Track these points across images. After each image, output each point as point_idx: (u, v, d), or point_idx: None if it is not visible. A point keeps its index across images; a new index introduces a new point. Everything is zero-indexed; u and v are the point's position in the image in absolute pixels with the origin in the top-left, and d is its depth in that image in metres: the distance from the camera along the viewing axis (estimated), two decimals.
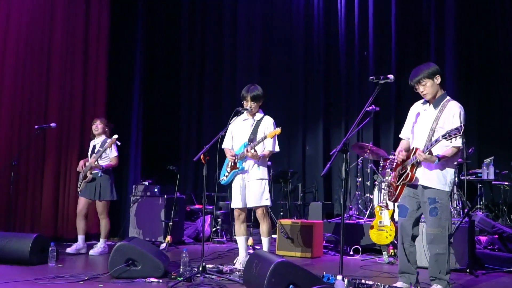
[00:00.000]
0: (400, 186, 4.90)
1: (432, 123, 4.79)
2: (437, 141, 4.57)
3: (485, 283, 5.73)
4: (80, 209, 7.52)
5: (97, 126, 7.66)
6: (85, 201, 7.48)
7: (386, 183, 5.18)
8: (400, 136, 5.24)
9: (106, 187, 7.44)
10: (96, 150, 7.47)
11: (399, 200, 4.99)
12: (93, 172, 7.43)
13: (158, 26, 11.25)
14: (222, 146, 6.31)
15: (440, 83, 4.89)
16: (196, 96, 11.67)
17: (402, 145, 5.14)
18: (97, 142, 7.64)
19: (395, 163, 5.07)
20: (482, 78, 9.67)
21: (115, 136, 7.34)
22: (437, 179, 4.79)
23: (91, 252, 7.33)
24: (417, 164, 4.81)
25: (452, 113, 4.78)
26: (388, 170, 5.31)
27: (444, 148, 4.73)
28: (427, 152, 4.63)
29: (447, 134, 4.42)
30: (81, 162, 7.64)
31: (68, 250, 7.37)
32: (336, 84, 10.95)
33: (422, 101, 5.07)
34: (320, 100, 10.99)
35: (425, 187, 4.83)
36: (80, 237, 7.55)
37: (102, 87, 9.63)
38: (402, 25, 10.31)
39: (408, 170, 4.81)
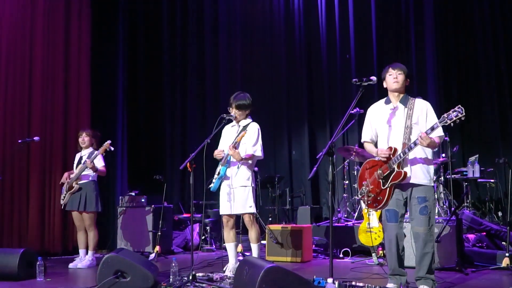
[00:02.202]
0: (389, 188, 4.86)
1: (405, 121, 4.85)
2: (433, 129, 4.62)
3: (474, 281, 5.75)
4: (78, 224, 7.47)
5: (84, 139, 7.61)
6: (77, 214, 7.42)
7: (362, 195, 5.09)
8: (363, 140, 5.25)
9: (91, 198, 7.38)
10: (83, 161, 7.40)
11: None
12: (79, 182, 7.37)
13: (139, 35, 11.18)
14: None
15: (407, 86, 5.07)
16: (179, 105, 11.62)
17: (371, 147, 5.16)
18: (84, 153, 7.58)
19: (367, 172, 5.08)
20: (462, 76, 9.77)
21: (109, 142, 7.28)
22: (423, 175, 4.85)
23: (79, 265, 7.27)
24: (403, 162, 4.82)
25: (421, 108, 4.91)
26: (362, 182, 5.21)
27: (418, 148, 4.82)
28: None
29: (431, 128, 4.60)
30: (66, 174, 7.57)
31: (73, 265, 7.31)
32: (319, 88, 10.98)
33: (381, 102, 5.15)
34: (304, 104, 11.01)
35: (414, 185, 4.85)
36: (82, 251, 7.50)
37: (85, 99, 9.57)
38: (383, 27, 10.40)
39: (397, 169, 4.81)
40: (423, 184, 4.82)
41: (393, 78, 4.97)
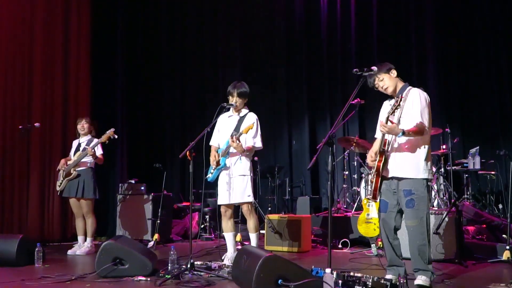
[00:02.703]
0: (374, 179, 4.86)
1: (398, 112, 4.79)
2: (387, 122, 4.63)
3: (474, 273, 5.75)
4: (76, 211, 7.47)
5: (83, 125, 7.59)
6: (74, 200, 7.42)
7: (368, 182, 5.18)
8: (375, 136, 5.24)
9: (89, 185, 7.37)
10: (82, 148, 7.38)
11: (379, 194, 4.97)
12: (77, 168, 7.36)
13: (138, 23, 11.15)
14: (210, 143, 6.30)
15: (397, 76, 5.00)
16: (179, 93, 11.60)
17: (374, 146, 5.14)
18: (83, 140, 7.57)
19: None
20: (463, 67, 9.73)
21: (112, 129, 7.26)
22: (409, 168, 4.78)
23: (78, 252, 7.28)
24: (385, 152, 4.80)
25: (412, 99, 4.83)
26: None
27: (404, 139, 4.79)
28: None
29: (392, 106, 4.62)
30: (63, 160, 7.53)
31: (72, 252, 7.32)
32: (319, 78, 10.94)
33: (389, 98, 5.12)
34: (304, 94, 10.98)
35: (398, 179, 4.82)
36: (81, 238, 7.50)
37: (85, 86, 9.59)
38: (383, 16, 10.36)
39: (377, 159, 4.80)
40: (409, 178, 4.78)
41: (381, 88, 5.01)
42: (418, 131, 4.69)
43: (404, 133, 4.62)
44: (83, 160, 7.34)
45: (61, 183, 7.42)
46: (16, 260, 6.10)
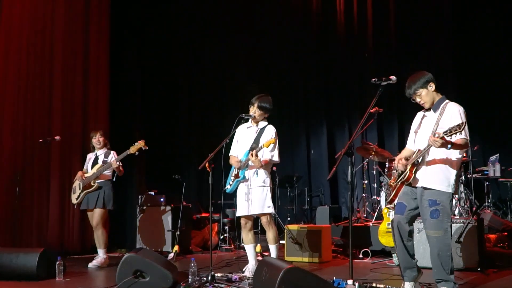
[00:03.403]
0: (398, 186, 4.90)
1: (433, 126, 4.75)
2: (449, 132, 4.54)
3: (495, 281, 5.69)
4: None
5: (99, 139, 7.60)
6: (92, 213, 7.41)
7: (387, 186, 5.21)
8: (407, 146, 5.22)
9: (109, 197, 7.39)
10: (101, 160, 7.41)
11: (398, 197, 4.96)
12: (97, 181, 7.37)
13: (155, 38, 11.18)
14: (230, 154, 6.29)
15: (435, 89, 4.90)
16: (197, 104, 11.64)
17: (403, 152, 5.12)
18: (100, 153, 7.60)
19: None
20: (482, 74, 9.64)
21: (143, 140, 7.24)
22: (439, 180, 4.75)
23: (89, 264, 7.24)
24: (417, 163, 4.79)
25: (450, 114, 4.75)
26: (394, 171, 5.29)
27: (441, 153, 4.74)
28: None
29: (448, 131, 4.40)
30: (80, 173, 7.53)
31: (92, 265, 7.27)
32: (337, 87, 10.93)
33: (423, 109, 5.06)
34: (322, 103, 10.97)
35: (425, 188, 4.78)
36: (101, 251, 7.47)
37: (103, 99, 9.65)
38: (402, 24, 10.31)
39: (408, 169, 4.80)
40: (437, 190, 4.74)
41: (419, 102, 4.91)
42: (464, 145, 4.68)
43: (452, 144, 4.55)
44: (104, 172, 7.37)
45: (78, 196, 7.43)
46: (37, 274, 6.11)
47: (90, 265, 7.24)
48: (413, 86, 4.85)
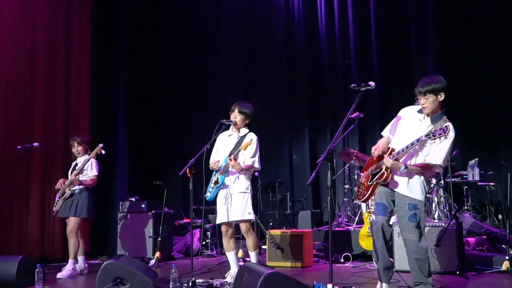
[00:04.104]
0: (373, 186, 4.94)
1: (423, 136, 4.62)
2: (418, 140, 4.59)
3: (475, 285, 5.74)
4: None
5: (77, 149, 7.53)
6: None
7: (358, 184, 5.23)
8: (382, 133, 5.24)
9: (83, 205, 7.28)
10: (78, 168, 7.36)
11: (376, 198, 4.99)
12: (71, 188, 7.32)
13: (142, 40, 11.20)
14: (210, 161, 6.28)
15: (442, 101, 4.82)
16: (181, 110, 11.67)
17: (380, 142, 5.15)
18: (79, 161, 7.54)
19: (366, 163, 5.13)
20: (464, 78, 9.66)
21: (100, 145, 7.21)
22: (419, 191, 4.81)
23: (58, 275, 7.06)
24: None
25: (438, 147, 4.68)
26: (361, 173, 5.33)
27: (421, 159, 4.77)
28: (394, 159, 4.70)
29: (431, 134, 4.43)
30: (61, 180, 7.49)
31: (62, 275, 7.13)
32: (320, 93, 10.96)
33: (416, 108, 5.01)
34: (305, 109, 11.02)
35: (400, 194, 4.85)
36: (80, 258, 7.38)
37: (85, 105, 9.62)
38: (382, 31, 10.37)
39: (383, 170, 4.83)
40: (416, 198, 4.81)
41: (421, 104, 4.81)
42: (422, 170, 4.76)
43: (406, 167, 4.64)
44: (82, 180, 7.32)
45: (56, 203, 7.39)
46: (16, 281, 6.08)
47: (59, 275, 7.08)
48: (426, 87, 4.74)
